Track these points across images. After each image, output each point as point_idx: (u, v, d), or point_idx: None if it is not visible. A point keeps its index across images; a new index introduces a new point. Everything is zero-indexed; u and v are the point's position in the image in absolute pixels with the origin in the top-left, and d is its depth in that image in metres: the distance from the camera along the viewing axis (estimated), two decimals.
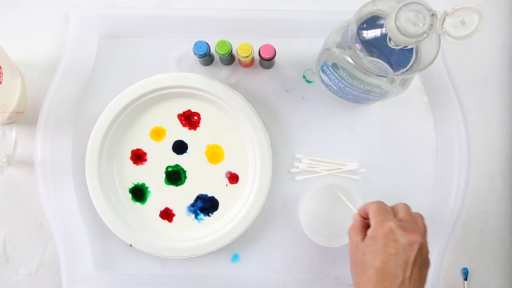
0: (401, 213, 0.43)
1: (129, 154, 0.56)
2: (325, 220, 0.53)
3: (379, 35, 0.38)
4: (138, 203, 0.56)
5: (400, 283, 0.38)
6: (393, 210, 0.44)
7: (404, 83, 0.44)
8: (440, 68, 0.55)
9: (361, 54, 0.40)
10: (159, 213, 0.56)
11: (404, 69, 0.40)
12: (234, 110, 0.54)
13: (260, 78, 0.57)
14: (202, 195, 0.56)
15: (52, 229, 0.54)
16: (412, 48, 0.39)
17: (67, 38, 0.55)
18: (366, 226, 0.44)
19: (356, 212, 0.47)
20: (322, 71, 0.51)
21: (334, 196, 0.53)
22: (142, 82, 0.54)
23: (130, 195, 0.56)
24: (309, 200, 0.53)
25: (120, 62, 0.57)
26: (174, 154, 0.56)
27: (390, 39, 0.38)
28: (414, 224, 0.42)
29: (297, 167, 0.56)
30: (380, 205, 0.44)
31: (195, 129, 0.56)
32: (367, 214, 0.45)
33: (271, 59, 0.53)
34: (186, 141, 0.56)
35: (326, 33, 0.47)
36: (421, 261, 0.40)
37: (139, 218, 0.56)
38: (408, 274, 0.39)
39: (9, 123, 0.57)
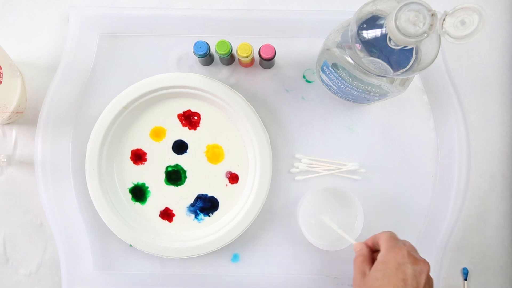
0: (407, 244, 0.45)
1: (129, 154, 0.56)
2: (324, 223, 0.53)
3: (379, 35, 0.38)
4: (138, 203, 0.56)
5: None
6: None
7: (404, 83, 0.44)
8: (440, 68, 0.55)
9: (361, 54, 0.40)
10: (159, 213, 0.56)
11: (404, 69, 0.40)
12: (234, 110, 0.54)
13: (260, 78, 0.57)
14: (202, 195, 0.56)
15: (52, 229, 0.54)
16: (412, 48, 0.39)
17: (67, 38, 0.55)
18: (372, 257, 0.45)
19: (353, 241, 0.48)
20: (322, 71, 0.51)
21: (333, 199, 0.53)
22: (142, 82, 0.54)
23: (130, 195, 0.56)
24: (308, 203, 0.53)
25: (120, 62, 0.57)
26: (174, 154, 0.56)
27: (390, 39, 0.38)
28: (419, 255, 0.43)
29: (297, 167, 0.56)
30: (392, 234, 0.45)
31: (195, 129, 0.56)
32: (374, 244, 0.46)
33: (271, 59, 0.53)
34: (186, 141, 0.56)
35: (326, 33, 0.47)
36: (425, 286, 0.41)
37: (139, 218, 0.56)
38: None
39: (9, 123, 0.57)
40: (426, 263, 0.41)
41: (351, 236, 0.50)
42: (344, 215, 0.53)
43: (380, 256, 0.42)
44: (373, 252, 0.46)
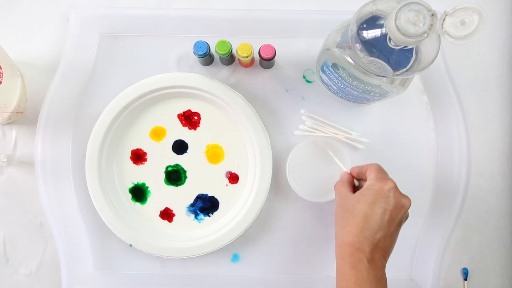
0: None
1: (129, 154, 0.56)
2: (313, 175, 0.53)
3: (379, 35, 0.38)
4: (138, 203, 0.56)
5: (382, 235, 0.41)
6: None
7: (404, 83, 0.44)
8: (440, 68, 0.55)
9: (361, 54, 0.40)
10: (159, 213, 0.56)
11: (404, 69, 0.40)
12: (234, 110, 0.54)
13: (260, 78, 0.57)
14: (202, 195, 0.56)
15: (52, 229, 0.54)
16: (412, 48, 0.39)
17: (67, 38, 0.55)
18: (352, 183, 0.48)
19: (344, 169, 0.49)
20: (322, 71, 0.51)
21: (323, 153, 0.53)
22: (142, 82, 0.54)
23: (130, 195, 0.56)
24: (296, 155, 0.53)
25: (120, 62, 0.57)
26: (174, 154, 0.56)
27: (390, 39, 0.38)
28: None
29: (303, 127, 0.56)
30: (381, 167, 0.46)
31: (195, 129, 0.56)
32: (358, 174, 0.47)
33: (271, 59, 0.53)
34: (186, 141, 0.56)
35: (326, 33, 0.47)
36: (402, 221, 0.43)
37: (139, 218, 0.56)
38: (391, 229, 0.42)
39: (9, 123, 0.57)
40: (409, 199, 0.43)
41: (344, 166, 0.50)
42: (333, 169, 0.52)
43: (367, 184, 0.44)
44: (358, 180, 0.49)
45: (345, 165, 0.51)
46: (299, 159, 0.53)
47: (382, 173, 0.45)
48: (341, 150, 0.52)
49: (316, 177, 0.53)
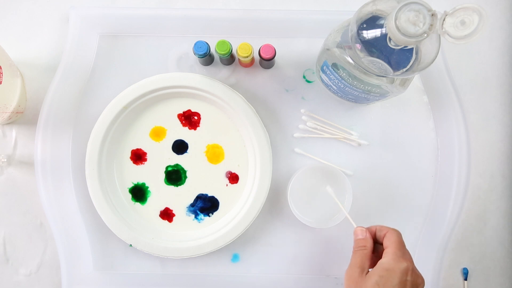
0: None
1: (129, 154, 0.56)
2: (314, 201, 0.52)
3: (379, 35, 0.38)
4: (138, 203, 0.56)
5: None
6: None
7: (404, 83, 0.44)
8: (440, 68, 0.55)
9: (361, 54, 0.40)
10: (159, 213, 0.56)
11: (404, 69, 0.40)
12: (234, 110, 0.54)
13: (260, 78, 0.57)
14: (202, 195, 0.56)
15: (52, 229, 0.54)
16: (412, 48, 0.39)
17: (67, 38, 0.55)
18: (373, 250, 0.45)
19: (355, 225, 0.47)
20: (322, 71, 0.51)
21: (324, 179, 0.52)
22: (142, 82, 0.54)
23: (130, 195, 0.56)
24: (298, 180, 0.52)
25: (120, 62, 0.57)
26: (174, 154, 0.56)
27: (390, 39, 0.38)
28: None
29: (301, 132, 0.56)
30: (401, 237, 0.44)
31: (195, 129, 0.56)
32: (375, 236, 0.45)
33: (271, 59, 0.53)
34: (186, 141, 0.56)
35: (326, 33, 0.47)
36: None
37: (139, 218, 0.56)
38: None
39: (9, 123, 0.57)
40: (423, 279, 0.42)
41: (351, 220, 0.49)
42: (334, 193, 0.52)
43: (383, 261, 0.42)
44: (373, 241, 0.46)
45: (347, 192, 0.50)
46: (300, 185, 0.52)
47: (400, 250, 0.42)
48: (343, 179, 0.51)
49: (318, 203, 0.52)
